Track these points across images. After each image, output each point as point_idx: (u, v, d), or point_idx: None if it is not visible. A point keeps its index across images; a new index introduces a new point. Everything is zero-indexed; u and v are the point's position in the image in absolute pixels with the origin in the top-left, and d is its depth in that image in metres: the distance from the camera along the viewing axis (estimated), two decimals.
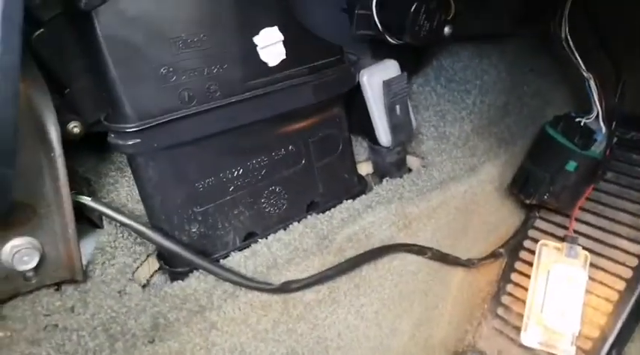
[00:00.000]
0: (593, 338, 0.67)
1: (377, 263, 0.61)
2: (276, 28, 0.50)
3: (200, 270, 0.51)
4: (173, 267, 0.53)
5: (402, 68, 0.64)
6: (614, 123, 0.69)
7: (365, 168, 0.70)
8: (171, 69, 0.45)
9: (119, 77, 0.43)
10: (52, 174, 0.43)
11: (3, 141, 0.34)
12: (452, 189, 0.68)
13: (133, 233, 0.51)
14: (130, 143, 0.46)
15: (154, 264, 0.54)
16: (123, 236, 0.52)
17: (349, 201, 0.62)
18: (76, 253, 0.46)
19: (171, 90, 0.46)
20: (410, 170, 0.71)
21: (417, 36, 0.58)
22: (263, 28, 0.49)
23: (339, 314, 0.59)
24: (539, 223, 0.77)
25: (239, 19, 0.48)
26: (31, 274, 0.45)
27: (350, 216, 0.60)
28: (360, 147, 0.69)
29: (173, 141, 0.47)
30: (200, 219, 0.52)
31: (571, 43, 0.68)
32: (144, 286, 0.53)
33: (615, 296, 0.68)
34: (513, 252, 0.77)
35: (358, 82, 0.61)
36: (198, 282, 0.51)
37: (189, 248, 0.50)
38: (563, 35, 0.68)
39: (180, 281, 0.51)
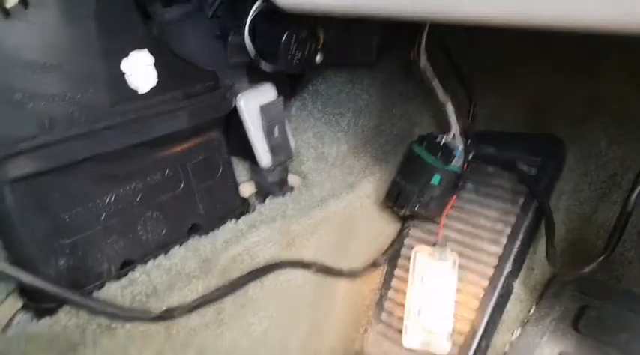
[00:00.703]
0: (465, 333, 0.74)
1: (263, 281, 0.63)
2: (146, 51, 0.52)
3: (70, 305, 0.50)
4: (38, 304, 0.50)
5: (279, 92, 0.67)
6: (468, 141, 0.78)
7: (248, 189, 0.72)
8: (27, 94, 0.44)
9: None
10: None
11: None
12: (332, 205, 0.73)
13: None
14: None
15: (16, 302, 0.51)
16: None
17: (232, 221, 0.63)
18: None
19: (29, 116, 0.44)
20: (292, 189, 0.74)
21: (289, 63, 0.62)
22: (130, 52, 0.50)
23: (226, 336, 0.60)
24: (413, 232, 0.84)
25: (102, 43, 0.48)
26: None
27: (234, 237, 0.62)
28: (243, 169, 0.71)
29: (33, 169, 0.46)
30: (68, 251, 0.50)
31: (428, 71, 0.76)
32: (4, 328, 0.50)
33: (481, 293, 0.75)
34: (392, 260, 0.83)
35: (235, 106, 0.64)
36: (68, 317, 0.49)
37: (55, 281, 0.48)
38: (421, 64, 0.76)
39: (48, 318, 0.49)
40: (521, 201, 0.77)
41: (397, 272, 0.81)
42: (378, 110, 0.87)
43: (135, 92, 0.51)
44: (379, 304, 0.81)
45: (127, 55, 0.50)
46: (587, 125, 0.77)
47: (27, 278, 0.46)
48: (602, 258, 0.58)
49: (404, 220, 0.85)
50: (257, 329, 0.63)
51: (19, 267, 0.46)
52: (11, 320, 0.50)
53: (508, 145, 0.83)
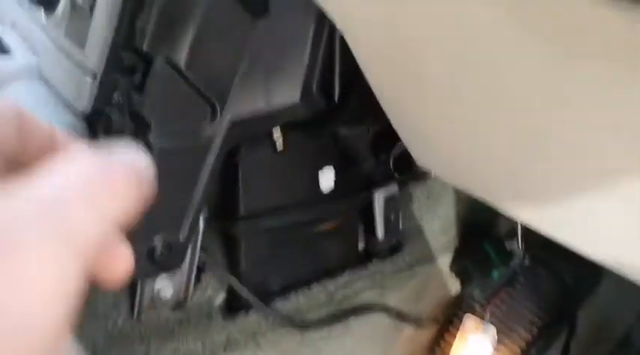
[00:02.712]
0: None
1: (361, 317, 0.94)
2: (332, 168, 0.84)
3: (259, 309, 0.84)
4: (236, 304, 0.85)
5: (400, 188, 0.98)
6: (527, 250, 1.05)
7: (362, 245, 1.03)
8: None
9: None
10: None
11: None
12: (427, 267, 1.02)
13: None
14: None
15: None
16: None
17: (350, 271, 0.95)
18: None
19: None
20: (392, 254, 1.04)
21: (414, 177, 0.93)
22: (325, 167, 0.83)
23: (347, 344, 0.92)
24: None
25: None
26: None
27: (348, 282, 0.93)
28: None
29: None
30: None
31: None
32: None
33: None
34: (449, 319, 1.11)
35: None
36: (255, 318, 0.85)
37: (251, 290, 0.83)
38: None
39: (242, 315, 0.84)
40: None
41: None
42: (467, 205, 1.14)
43: (320, 190, 0.83)
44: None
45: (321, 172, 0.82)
46: None
47: (240, 289, 0.80)
48: None
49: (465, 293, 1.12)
50: None
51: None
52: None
53: (559, 258, 1.08)
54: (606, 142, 0.47)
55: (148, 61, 0.59)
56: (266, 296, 0.84)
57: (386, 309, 0.97)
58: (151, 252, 0.61)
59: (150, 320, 0.74)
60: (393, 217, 0.98)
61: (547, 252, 1.09)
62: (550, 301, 1.04)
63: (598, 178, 0.52)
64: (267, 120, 0.66)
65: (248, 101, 0.63)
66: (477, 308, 1.09)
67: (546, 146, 0.56)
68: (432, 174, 0.99)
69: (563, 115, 0.49)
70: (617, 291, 1.01)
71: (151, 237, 0.60)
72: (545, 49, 0.44)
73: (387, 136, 0.85)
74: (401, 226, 1.02)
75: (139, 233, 0.57)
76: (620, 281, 0.99)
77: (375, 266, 0.98)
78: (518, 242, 1.03)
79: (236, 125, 0.63)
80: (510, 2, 0.44)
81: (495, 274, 1.03)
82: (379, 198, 0.95)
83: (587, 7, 0.36)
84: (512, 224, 1.07)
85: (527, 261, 1.05)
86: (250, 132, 0.69)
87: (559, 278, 1.05)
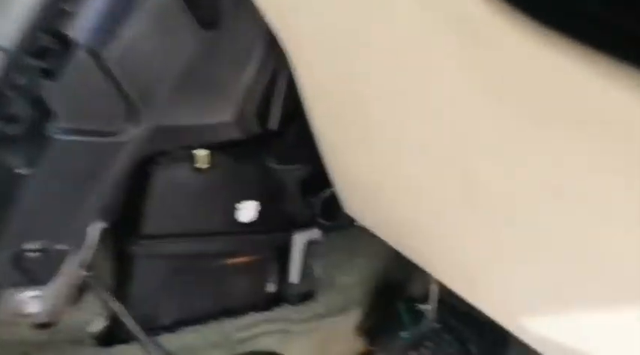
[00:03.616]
0: None
1: None
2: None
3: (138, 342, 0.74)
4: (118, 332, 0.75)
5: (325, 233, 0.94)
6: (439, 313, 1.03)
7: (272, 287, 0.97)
8: None
9: None
10: None
11: None
12: (323, 322, 0.97)
13: None
14: None
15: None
16: None
17: (253, 313, 0.88)
18: None
19: None
20: (302, 300, 0.98)
21: (339, 225, 0.89)
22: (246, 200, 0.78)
23: None
24: None
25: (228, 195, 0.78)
26: None
27: (249, 324, 0.86)
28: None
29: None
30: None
31: None
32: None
33: None
34: None
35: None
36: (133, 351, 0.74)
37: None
38: None
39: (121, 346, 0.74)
40: None
41: None
42: (386, 261, 1.12)
43: (236, 221, 0.78)
44: None
45: (241, 201, 0.77)
46: None
47: (122, 313, 0.71)
48: None
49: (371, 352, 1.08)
50: None
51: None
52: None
53: (469, 326, 1.07)
54: (539, 200, 0.46)
55: (67, 47, 0.53)
56: (152, 329, 0.76)
57: None
58: (18, 258, 0.52)
59: (2, 338, 0.64)
60: (310, 263, 0.93)
61: (457, 319, 1.08)
62: None
63: (524, 240, 0.52)
64: (194, 134, 0.61)
65: (177, 110, 0.58)
66: None
67: (475, 205, 0.55)
68: (357, 222, 0.97)
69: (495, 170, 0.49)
70: None
71: (22, 241, 0.51)
72: (497, 107, 0.43)
73: (318, 179, 0.82)
74: (317, 273, 0.97)
75: (5, 234, 0.48)
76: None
77: (283, 311, 0.92)
78: (430, 305, 1.02)
79: (158, 133, 0.57)
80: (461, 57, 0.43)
81: (404, 335, 1.00)
82: (299, 241, 0.90)
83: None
84: (426, 286, 1.06)
85: (436, 325, 1.03)
86: (172, 144, 0.63)
87: (464, 346, 1.04)
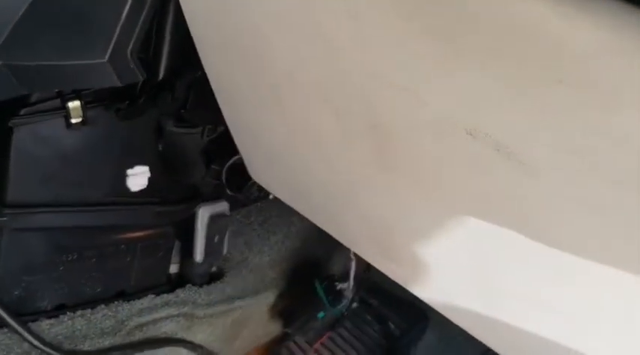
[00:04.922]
0: None
1: (157, 351, 0.78)
2: (147, 168, 0.69)
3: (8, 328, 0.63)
4: None
5: (232, 208, 0.86)
6: (359, 291, 0.98)
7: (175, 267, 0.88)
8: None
9: None
10: None
11: None
12: (235, 303, 0.89)
13: None
14: None
15: None
16: None
17: (152, 296, 0.79)
18: None
19: None
20: (209, 282, 0.90)
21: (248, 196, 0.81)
22: (136, 165, 0.68)
23: None
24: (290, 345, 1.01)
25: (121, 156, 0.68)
26: None
27: (147, 308, 0.77)
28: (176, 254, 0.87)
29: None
30: (24, 285, 0.65)
31: None
32: None
33: None
34: None
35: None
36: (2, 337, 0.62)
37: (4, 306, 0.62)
38: None
39: None
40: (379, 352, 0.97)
41: None
42: (303, 238, 1.06)
43: (127, 189, 0.68)
44: None
45: (132, 167, 0.67)
46: None
47: None
48: None
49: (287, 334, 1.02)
50: None
51: None
52: None
53: (388, 304, 1.03)
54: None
55: None
56: (28, 314, 0.65)
57: (191, 346, 0.82)
58: None
59: None
60: (217, 239, 0.85)
61: (377, 298, 1.04)
62: (373, 349, 0.98)
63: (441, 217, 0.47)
64: (59, 77, 0.51)
65: (34, 46, 0.48)
66: (298, 352, 0.98)
67: (391, 179, 0.50)
68: (271, 195, 0.90)
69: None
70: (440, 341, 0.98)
71: None
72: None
73: (224, 145, 0.74)
74: (225, 251, 0.89)
75: None
76: (444, 331, 0.96)
77: (187, 293, 0.83)
78: (349, 284, 0.96)
79: (11, 74, 0.47)
80: None
81: (321, 316, 0.94)
82: (203, 215, 0.81)
83: None
84: (345, 265, 1.01)
85: (355, 305, 0.98)
86: (34, 88, 0.52)
87: (384, 325, 1.00)
